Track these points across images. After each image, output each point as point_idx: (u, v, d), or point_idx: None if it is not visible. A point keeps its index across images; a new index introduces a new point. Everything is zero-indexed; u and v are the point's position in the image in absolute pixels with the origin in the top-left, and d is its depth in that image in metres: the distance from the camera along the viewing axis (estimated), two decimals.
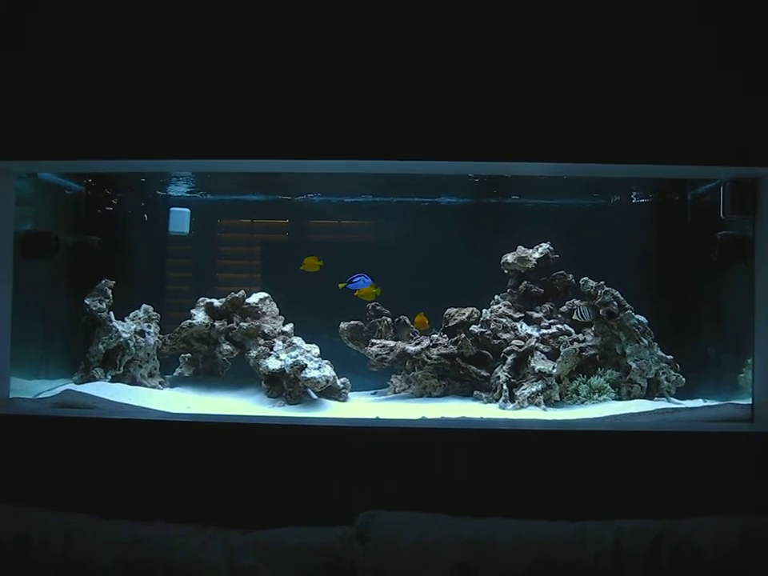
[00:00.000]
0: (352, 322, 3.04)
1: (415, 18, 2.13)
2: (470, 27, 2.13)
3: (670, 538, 1.87)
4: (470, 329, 2.91)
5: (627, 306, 2.71)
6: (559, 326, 2.88)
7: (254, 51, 2.15)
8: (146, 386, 2.82)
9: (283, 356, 2.75)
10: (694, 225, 2.89)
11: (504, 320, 2.93)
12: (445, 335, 2.96)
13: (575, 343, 2.79)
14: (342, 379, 2.82)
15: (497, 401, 2.70)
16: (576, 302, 2.92)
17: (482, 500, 2.06)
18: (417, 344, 2.93)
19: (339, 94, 2.14)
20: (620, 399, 2.64)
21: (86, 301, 2.78)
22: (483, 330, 2.91)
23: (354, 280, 2.96)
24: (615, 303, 2.70)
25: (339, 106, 2.14)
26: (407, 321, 3.04)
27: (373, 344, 2.97)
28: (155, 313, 3.00)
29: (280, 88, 2.15)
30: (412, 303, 3.04)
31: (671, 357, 2.69)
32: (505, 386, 2.69)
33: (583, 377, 2.71)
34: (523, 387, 2.68)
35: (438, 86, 2.13)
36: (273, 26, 2.14)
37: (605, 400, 2.63)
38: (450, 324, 2.97)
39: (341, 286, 2.98)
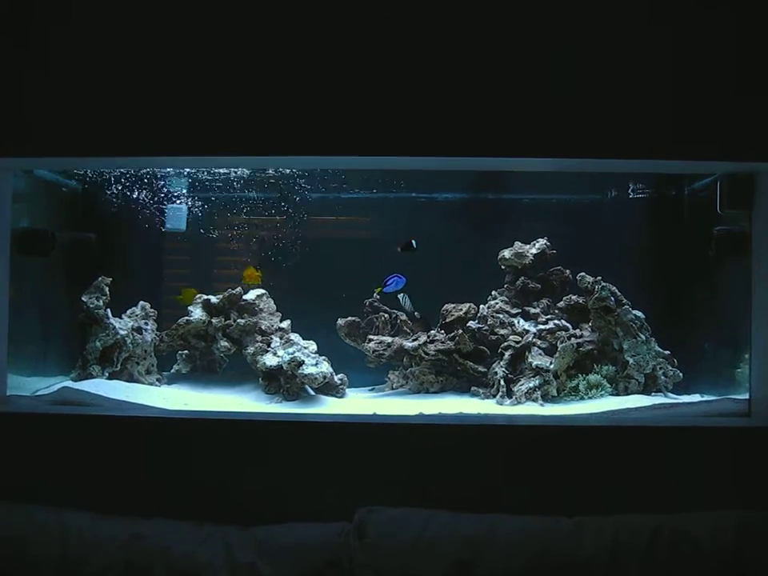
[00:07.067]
0: (349, 319, 3.04)
1: (415, 15, 2.12)
2: (469, 23, 2.13)
3: (667, 532, 1.87)
4: (468, 325, 2.91)
5: (624, 301, 2.71)
6: (556, 321, 2.88)
7: (251, 48, 2.14)
8: (143, 383, 2.82)
9: (280, 352, 2.75)
10: (690, 220, 2.89)
11: (501, 316, 2.93)
12: (442, 331, 2.96)
13: (572, 339, 2.79)
14: (340, 375, 2.82)
15: (494, 396, 2.70)
16: (573, 297, 2.92)
17: (480, 496, 2.06)
18: (414, 340, 2.93)
19: (337, 91, 2.13)
20: (617, 394, 2.64)
21: (83, 298, 2.78)
22: (480, 325, 2.91)
23: (389, 282, 2.97)
24: (612, 298, 2.70)
25: (337, 103, 2.13)
26: (405, 318, 3.05)
27: (370, 340, 2.97)
28: (152, 310, 3.00)
29: (277, 84, 2.14)
30: (410, 299, 3.04)
31: (668, 352, 2.69)
32: (502, 382, 2.70)
33: (581, 373, 2.71)
34: (521, 383, 2.68)
35: (439, 82, 2.12)
36: (269, 20, 2.13)
37: (602, 395, 2.63)
38: (447, 320, 2.97)
39: (377, 290, 3.00)
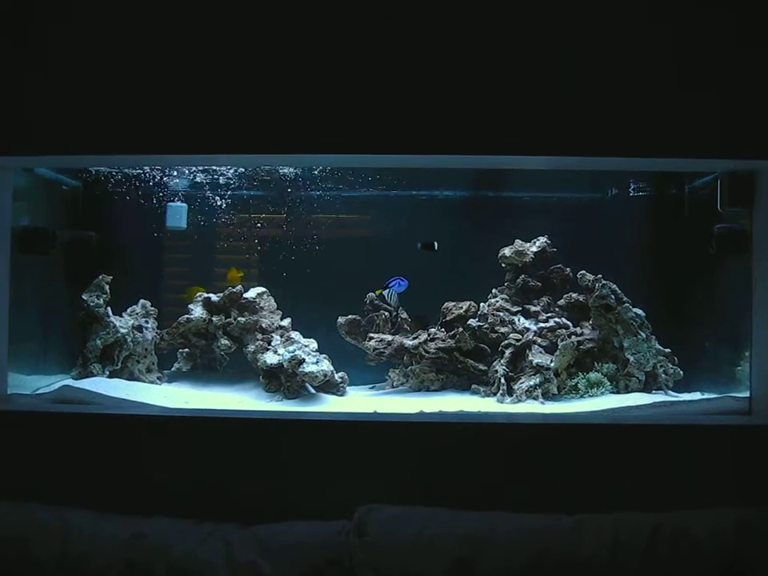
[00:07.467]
0: (350, 317, 3.04)
1: (415, 15, 2.12)
2: (469, 23, 2.12)
3: (667, 530, 1.87)
4: (468, 322, 2.91)
5: (625, 299, 2.71)
6: (557, 319, 2.88)
7: (251, 47, 2.13)
8: (143, 381, 2.82)
9: (281, 350, 2.75)
10: (691, 218, 2.89)
11: (502, 314, 2.93)
12: (443, 329, 2.96)
13: (573, 337, 2.79)
14: (340, 373, 2.82)
15: (495, 394, 2.70)
16: (574, 295, 2.92)
17: (480, 494, 2.07)
18: (414, 338, 2.93)
19: (337, 90, 2.13)
20: (618, 392, 2.64)
21: (83, 296, 2.78)
22: (481, 323, 2.91)
23: (390, 285, 2.97)
24: (613, 296, 2.70)
25: (337, 102, 2.13)
26: (406, 316, 3.05)
27: (371, 338, 2.97)
28: (153, 308, 3.00)
29: (277, 84, 2.14)
30: (410, 297, 3.04)
31: (669, 350, 2.69)
32: (503, 380, 2.70)
33: (581, 371, 2.71)
34: (521, 381, 2.68)
35: (440, 81, 2.12)
36: (269, 19, 2.13)
37: (602, 393, 2.63)
38: (447, 318, 2.97)
39: (377, 292, 3.01)
